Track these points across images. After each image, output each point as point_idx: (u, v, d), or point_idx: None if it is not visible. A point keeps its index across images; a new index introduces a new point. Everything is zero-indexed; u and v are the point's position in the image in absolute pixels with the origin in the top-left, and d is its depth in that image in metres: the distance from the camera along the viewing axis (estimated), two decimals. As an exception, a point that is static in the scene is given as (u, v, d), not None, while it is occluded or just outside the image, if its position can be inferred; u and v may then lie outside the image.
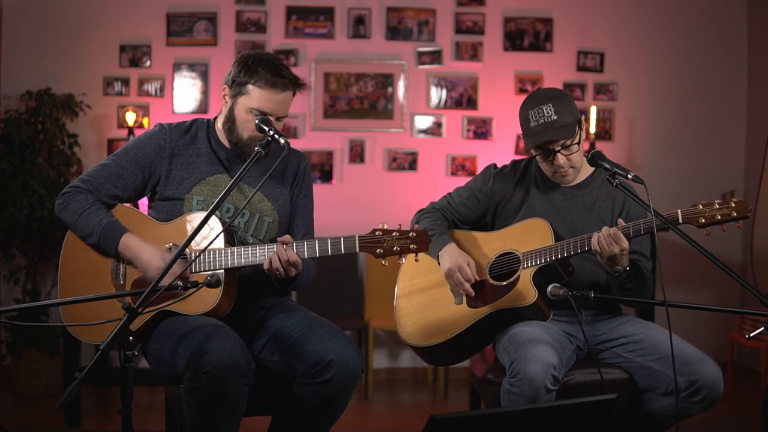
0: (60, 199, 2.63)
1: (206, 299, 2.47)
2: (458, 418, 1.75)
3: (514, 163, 2.97)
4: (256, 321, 2.67)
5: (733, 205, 2.46)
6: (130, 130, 4.95)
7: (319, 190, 2.88)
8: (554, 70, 5.36)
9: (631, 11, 5.46)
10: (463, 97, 5.35)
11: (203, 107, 5.18)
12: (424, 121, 5.34)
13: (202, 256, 2.50)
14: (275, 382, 2.57)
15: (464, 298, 2.80)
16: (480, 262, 2.82)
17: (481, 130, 5.35)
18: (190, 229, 2.54)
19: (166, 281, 2.16)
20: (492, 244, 2.83)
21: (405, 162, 5.32)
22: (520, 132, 2.85)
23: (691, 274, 5.02)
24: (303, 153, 2.85)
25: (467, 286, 2.75)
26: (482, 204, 2.94)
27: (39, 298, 4.89)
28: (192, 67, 5.20)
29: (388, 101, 5.31)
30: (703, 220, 2.47)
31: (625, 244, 2.51)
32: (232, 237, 2.60)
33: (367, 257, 5.15)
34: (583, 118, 2.82)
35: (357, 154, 5.30)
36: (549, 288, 2.39)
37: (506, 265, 2.78)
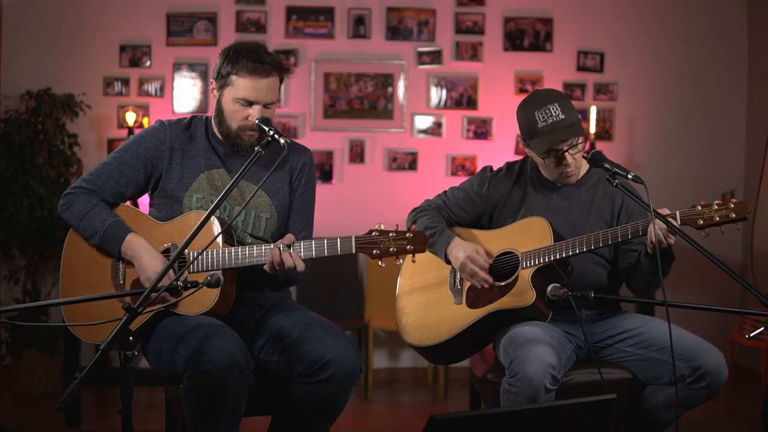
0: (63, 199, 2.63)
1: (205, 299, 2.46)
2: (458, 418, 1.75)
3: (509, 165, 2.97)
4: (256, 321, 2.67)
5: (732, 206, 2.45)
6: (130, 130, 4.95)
7: (319, 190, 2.87)
8: (554, 70, 5.36)
9: (631, 11, 5.46)
10: (463, 97, 5.35)
11: (203, 107, 5.18)
12: (424, 121, 5.34)
13: (201, 257, 2.50)
14: (275, 382, 2.57)
15: (464, 298, 2.80)
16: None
17: (481, 130, 5.36)
18: (189, 228, 2.53)
19: (160, 284, 2.16)
20: (491, 242, 2.83)
21: (405, 162, 5.33)
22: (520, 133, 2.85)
23: (691, 274, 5.02)
24: (306, 148, 2.82)
25: (483, 274, 2.73)
26: (478, 207, 2.93)
27: (39, 298, 4.89)
28: (192, 67, 5.20)
29: (388, 101, 5.31)
30: (702, 222, 2.47)
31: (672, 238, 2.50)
32: (231, 237, 2.60)
33: (366, 257, 5.14)
34: (579, 117, 2.82)
35: (357, 154, 5.30)
36: (549, 288, 2.40)
37: (505, 265, 2.78)
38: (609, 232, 2.59)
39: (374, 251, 2.42)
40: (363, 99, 5.30)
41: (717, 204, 2.47)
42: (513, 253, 2.76)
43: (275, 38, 5.25)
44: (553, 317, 2.73)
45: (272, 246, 2.47)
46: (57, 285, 4.93)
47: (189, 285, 2.19)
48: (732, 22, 5.52)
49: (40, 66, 5.07)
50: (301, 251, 2.47)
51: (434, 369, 5.19)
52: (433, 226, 2.87)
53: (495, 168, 2.99)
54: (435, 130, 5.34)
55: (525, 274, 2.69)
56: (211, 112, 2.76)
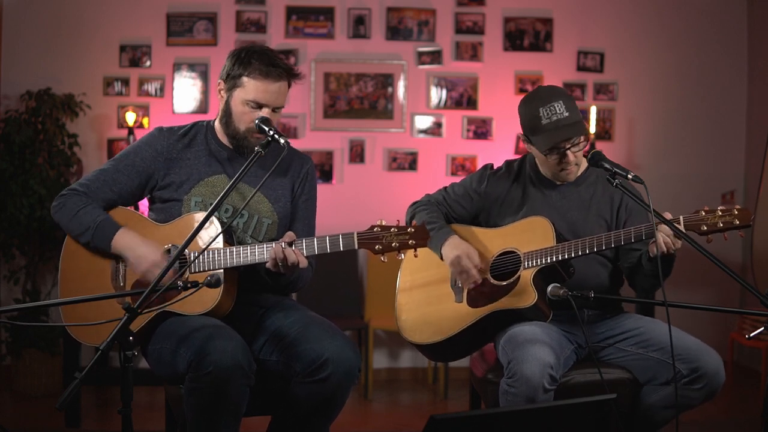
0: (56, 201, 2.63)
1: (206, 299, 2.46)
2: (458, 418, 1.75)
3: (508, 163, 2.97)
4: (255, 321, 2.67)
5: (736, 212, 2.45)
6: (130, 130, 4.95)
7: (319, 190, 2.87)
8: (554, 70, 5.36)
9: (631, 11, 5.46)
10: (463, 97, 5.35)
11: (203, 107, 5.18)
12: (424, 121, 5.34)
13: (201, 256, 2.50)
14: (274, 382, 2.57)
15: (465, 296, 2.80)
16: (481, 258, 2.81)
17: (481, 130, 5.36)
18: (189, 229, 2.53)
19: (162, 281, 2.16)
20: (493, 241, 2.83)
21: (405, 162, 5.33)
22: (520, 131, 2.85)
23: (691, 274, 5.02)
24: (307, 156, 2.84)
25: (474, 272, 2.73)
26: (476, 204, 2.94)
27: (39, 298, 4.89)
28: (192, 67, 5.20)
29: (388, 101, 5.31)
30: (705, 228, 2.46)
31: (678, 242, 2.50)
32: (231, 237, 2.60)
33: (366, 257, 5.15)
34: (581, 115, 2.83)
35: (357, 154, 5.31)
36: (549, 288, 2.40)
37: (507, 265, 2.77)
38: (612, 235, 2.59)
39: (376, 246, 2.42)
40: (363, 99, 5.30)
41: (721, 210, 2.46)
42: (515, 252, 2.76)
43: (275, 38, 5.25)
44: (553, 317, 2.73)
45: (274, 244, 2.47)
46: (57, 285, 4.93)
47: (189, 285, 2.19)
48: (732, 22, 5.52)
49: (40, 66, 5.07)
50: (303, 248, 2.47)
51: (434, 369, 5.19)
52: (432, 221, 2.87)
53: (495, 167, 2.99)
54: (435, 130, 5.34)
55: (526, 275, 2.69)
56: (212, 114, 2.75)
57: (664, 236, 2.49)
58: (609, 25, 5.45)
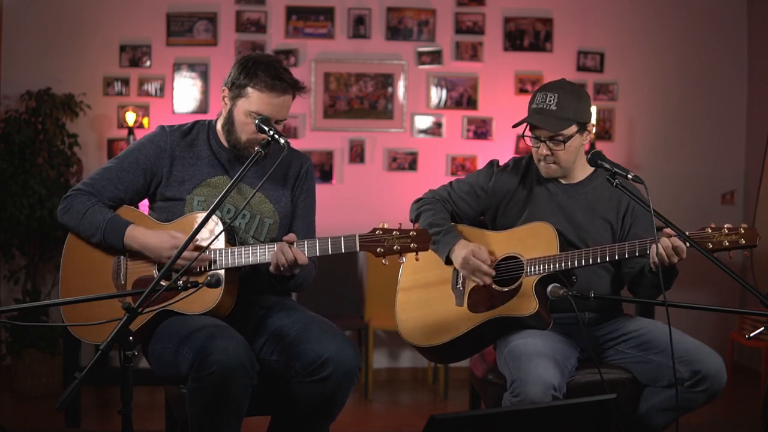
0: (62, 204, 2.63)
1: (207, 299, 2.46)
2: (458, 418, 1.75)
3: (515, 160, 2.94)
4: (256, 321, 2.67)
5: (743, 231, 2.44)
6: (130, 130, 4.95)
7: (319, 190, 2.88)
8: (554, 70, 5.36)
9: (631, 11, 5.46)
10: (463, 97, 5.35)
11: (203, 107, 5.18)
12: (424, 121, 5.34)
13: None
14: (274, 382, 2.57)
15: (465, 300, 2.78)
16: None
17: (481, 130, 5.36)
18: (191, 228, 2.53)
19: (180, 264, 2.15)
20: (497, 245, 2.80)
21: (405, 162, 5.33)
22: (521, 132, 2.85)
23: (691, 274, 5.02)
24: (306, 154, 2.84)
25: (485, 267, 2.70)
26: (482, 201, 2.91)
27: (39, 298, 4.89)
28: (192, 67, 5.20)
29: (388, 101, 5.31)
30: (711, 246, 2.45)
31: (684, 252, 2.48)
32: (232, 237, 2.60)
33: (367, 257, 5.15)
34: (590, 125, 2.78)
35: (357, 154, 5.31)
36: (549, 288, 2.39)
37: (509, 270, 2.76)
38: (616, 247, 2.57)
39: (378, 249, 2.42)
40: (363, 99, 5.30)
41: (727, 228, 2.46)
42: (517, 258, 2.74)
43: (275, 38, 5.25)
44: (554, 322, 2.71)
45: (276, 246, 2.47)
46: (57, 285, 4.93)
47: (189, 285, 2.19)
48: (732, 22, 5.52)
49: (40, 66, 5.07)
50: (305, 249, 2.47)
51: (434, 369, 5.19)
52: (438, 223, 2.83)
53: (501, 163, 2.96)
54: (435, 130, 5.34)
55: (528, 282, 2.66)
56: (212, 114, 2.75)
57: (661, 248, 2.48)
58: (609, 25, 5.45)
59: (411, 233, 2.42)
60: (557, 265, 2.63)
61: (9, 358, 4.88)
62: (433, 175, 5.29)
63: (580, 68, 5.41)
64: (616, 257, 2.58)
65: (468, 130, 5.35)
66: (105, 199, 2.62)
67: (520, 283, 2.69)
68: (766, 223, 4.67)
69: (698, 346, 2.59)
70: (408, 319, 2.88)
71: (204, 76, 5.19)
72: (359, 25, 5.29)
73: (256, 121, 2.55)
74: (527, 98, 2.87)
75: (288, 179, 2.75)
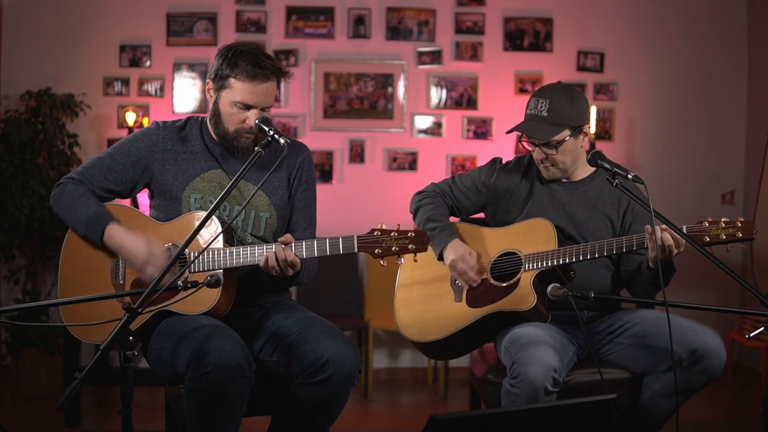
0: (54, 191, 2.64)
1: (206, 299, 2.46)
2: (458, 418, 1.75)
3: (518, 158, 2.97)
4: (255, 321, 2.67)
5: (739, 225, 2.45)
6: (130, 130, 4.95)
7: (319, 190, 2.86)
8: (554, 70, 5.36)
9: (631, 11, 5.46)
10: (463, 97, 5.35)
11: (203, 107, 5.18)
12: (424, 121, 5.34)
13: (201, 256, 2.50)
14: (274, 382, 2.57)
15: (464, 296, 2.80)
16: (481, 259, 2.81)
17: (481, 130, 5.36)
18: (190, 228, 2.53)
19: (162, 279, 2.16)
20: (495, 241, 2.82)
21: (405, 162, 5.33)
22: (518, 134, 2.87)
23: (691, 274, 5.02)
24: (303, 144, 2.81)
25: (471, 274, 2.74)
26: (483, 197, 2.93)
27: (39, 298, 4.89)
28: (192, 67, 5.20)
29: (388, 101, 5.31)
30: (708, 239, 2.46)
31: (681, 245, 2.49)
32: (231, 237, 2.60)
33: (367, 257, 5.14)
34: (586, 127, 2.79)
35: (357, 154, 5.30)
36: (549, 288, 2.40)
37: (507, 266, 2.77)
38: (614, 241, 2.59)
39: (376, 250, 2.42)
40: (363, 99, 5.30)
41: (724, 222, 2.46)
42: (516, 254, 2.76)
43: (275, 38, 5.25)
44: (553, 318, 2.72)
45: (274, 246, 2.47)
46: (57, 285, 4.93)
47: (189, 285, 2.19)
48: (732, 22, 5.52)
49: (40, 66, 5.07)
50: (303, 250, 2.47)
51: (434, 369, 5.19)
52: (436, 219, 2.86)
53: (504, 161, 2.99)
54: (435, 130, 5.34)
55: (527, 277, 2.69)
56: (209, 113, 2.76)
57: (666, 235, 2.49)
58: (609, 25, 5.44)
59: (409, 234, 2.42)
60: (555, 260, 2.64)
61: (9, 358, 4.88)
62: (433, 175, 5.28)
63: (580, 68, 5.41)
64: (614, 251, 2.59)
65: (468, 130, 5.35)
66: (95, 188, 2.62)
67: (519, 278, 2.70)
68: (766, 223, 4.67)
69: (694, 326, 2.60)
70: (407, 316, 2.89)
71: (204, 76, 5.18)
72: (359, 25, 5.29)
73: (256, 121, 2.55)
74: (527, 98, 2.88)
75: (284, 171, 2.73)
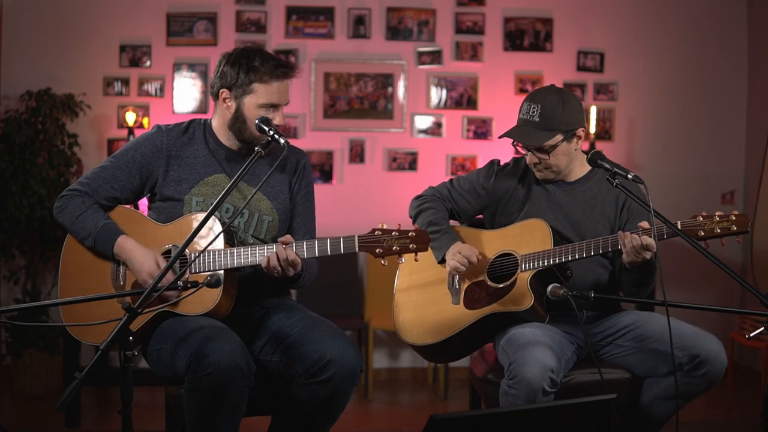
0: (58, 202, 2.64)
1: (206, 299, 2.47)
2: (458, 418, 1.75)
3: (516, 160, 2.96)
4: (256, 321, 2.67)
5: (734, 218, 2.44)
6: (130, 130, 4.95)
7: (319, 190, 2.87)
8: (554, 70, 5.36)
9: (631, 11, 5.46)
10: (463, 97, 5.35)
11: (203, 107, 5.18)
12: (424, 121, 5.34)
13: (201, 257, 2.50)
14: (275, 382, 2.57)
15: (461, 298, 2.80)
16: (479, 260, 2.81)
17: (481, 130, 5.36)
18: (190, 229, 2.53)
19: (160, 284, 2.16)
20: (492, 243, 2.83)
21: (405, 162, 5.33)
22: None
23: (691, 274, 5.02)
24: (301, 149, 2.83)
25: (474, 257, 2.74)
26: (482, 200, 2.93)
27: (39, 298, 4.89)
28: (192, 67, 5.20)
29: (388, 101, 5.31)
30: (702, 233, 2.46)
31: (654, 246, 2.48)
32: (231, 237, 2.60)
33: (367, 257, 5.14)
34: (580, 130, 2.77)
35: (357, 154, 5.30)
36: (549, 288, 2.40)
37: (504, 267, 2.77)
38: (609, 239, 2.59)
39: (377, 250, 2.42)
40: (363, 99, 5.30)
41: (718, 215, 2.46)
42: (512, 255, 2.76)
43: (275, 38, 5.25)
44: (553, 318, 2.72)
45: (275, 247, 2.47)
46: (57, 285, 4.93)
47: (189, 285, 2.19)
48: (732, 22, 5.52)
49: (40, 66, 5.07)
50: (304, 250, 2.47)
51: (434, 369, 5.19)
52: (437, 223, 2.86)
53: (502, 162, 2.98)
54: (435, 130, 5.34)
55: (523, 277, 2.69)
56: (211, 114, 2.76)
57: (635, 238, 2.48)
58: (609, 25, 5.44)
59: (410, 234, 2.43)
60: (550, 260, 2.64)
61: (9, 358, 4.88)
62: (433, 175, 5.29)
63: (580, 68, 5.41)
64: (609, 249, 2.59)
65: (468, 130, 5.35)
66: (101, 199, 2.62)
67: (515, 278, 2.70)
68: (766, 223, 4.67)
69: (695, 331, 2.61)
70: (405, 320, 2.90)
71: (204, 76, 5.18)
72: (359, 25, 5.29)
73: (256, 121, 2.55)
74: (526, 99, 2.88)
75: (285, 175, 2.75)
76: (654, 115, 5.49)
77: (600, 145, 5.26)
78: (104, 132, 5.16)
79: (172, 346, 2.41)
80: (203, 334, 2.37)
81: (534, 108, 2.74)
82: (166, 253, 2.57)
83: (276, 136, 2.49)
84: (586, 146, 2.90)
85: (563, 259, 2.64)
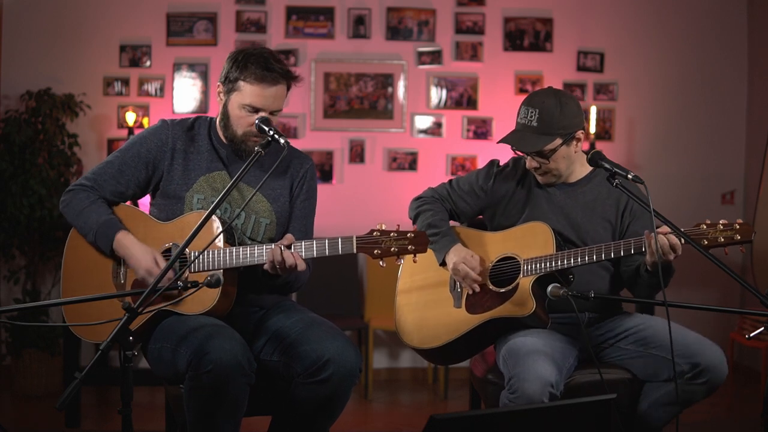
0: (64, 196, 2.64)
1: (205, 299, 2.47)
2: (458, 418, 1.75)
3: (515, 160, 2.94)
4: (256, 321, 2.67)
5: (737, 227, 2.43)
6: (130, 130, 4.95)
7: (319, 190, 2.87)
8: (554, 70, 5.36)
9: (631, 11, 5.46)
10: (463, 97, 5.35)
11: (203, 107, 5.18)
12: (424, 121, 5.34)
13: (201, 256, 2.50)
14: (275, 382, 2.57)
15: (463, 302, 2.78)
16: (481, 263, 2.80)
17: (481, 130, 5.35)
18: (190, 227, 2.53)
19: (160, 284, 2.16)
20: (494, 245, 2.81)
21: (405, 162, 5.33)
22: None
23: (691, 274, 5.02)
24: (307, 155, 2.83)
25: (473, 275, 2.72)
26: (481, 201, 2.91)
27: (39, 298, 4.88)
28: (192, 67, 5.20)
29: (388, 101, 5.31)
30: (706, 242, 2.45)
31: (680, 247, 2.47)
32: (231, 237, 2.60)
33: (366, 257, 5.13)
34: (579, 132, 2.75)
35: (357, 154, 5.30)
36: (549, 288, 2.39)
37: (506, 271, 2.76)
38: (612, 245, 2.56)
39: (375, 251, 2.42)
40: (363, 99, 5.30)
41: (722, 224, 2.45)
42: (514, 258, 2.74)
43: (275, 38, 5.25)
44: (554, 322, 2.71)
45: (273, 246, 2.47)
46: (57, 285, 4.93)
47: (189, 285, 2.19)
48: (732, 22, 5.52)
49: (40, 66, 5.07)
50: (302, 250, 2.47)
51: (434, 369, 5.19)
52: (436, 224, 2.85)
53: (501, 163, 2.96)
54: (435, 130, 5.34)
55: (525, 282, 2.67)
56: (213, 113, 2.76)
57: (663, 239, 2.48)
58: (609, 25, 5.44)
59: (409, 235, 2.41)
60: (553, 265, 2.63)
61: (9, 358, 4.88)
62: (433, 175, 5.29)
63: (580, 68, 5.41)
64: (612, 255, 2.57)
65: (468, 130, 5.35)
66: (107, 194, 2.63)
67: (517, 283, 2.69)
68: (766, 223, 4.67)
69: (698, 339, 2.60)
70: (407, 322, 2.89)
71: (204, 76, 5.19)
72: (359, 25, 5.29)
73: (256, 121, 2.55)
74: (527, 99, 2.87)
75: (288, 179, 2.74)
76: (654, 115, 5.49)
77: (600, 145, 5.26)
78: (104, 132, 5.16)
79: (173, 345, 2.41)
80: (204, 332, 2.37)
81: (532, 112, 2.72)
82: (166, 252, 2.56)
83: (276, 136, 2.48)
84: (586, 146, 2.89)
85: (565, 265, 2.62)
